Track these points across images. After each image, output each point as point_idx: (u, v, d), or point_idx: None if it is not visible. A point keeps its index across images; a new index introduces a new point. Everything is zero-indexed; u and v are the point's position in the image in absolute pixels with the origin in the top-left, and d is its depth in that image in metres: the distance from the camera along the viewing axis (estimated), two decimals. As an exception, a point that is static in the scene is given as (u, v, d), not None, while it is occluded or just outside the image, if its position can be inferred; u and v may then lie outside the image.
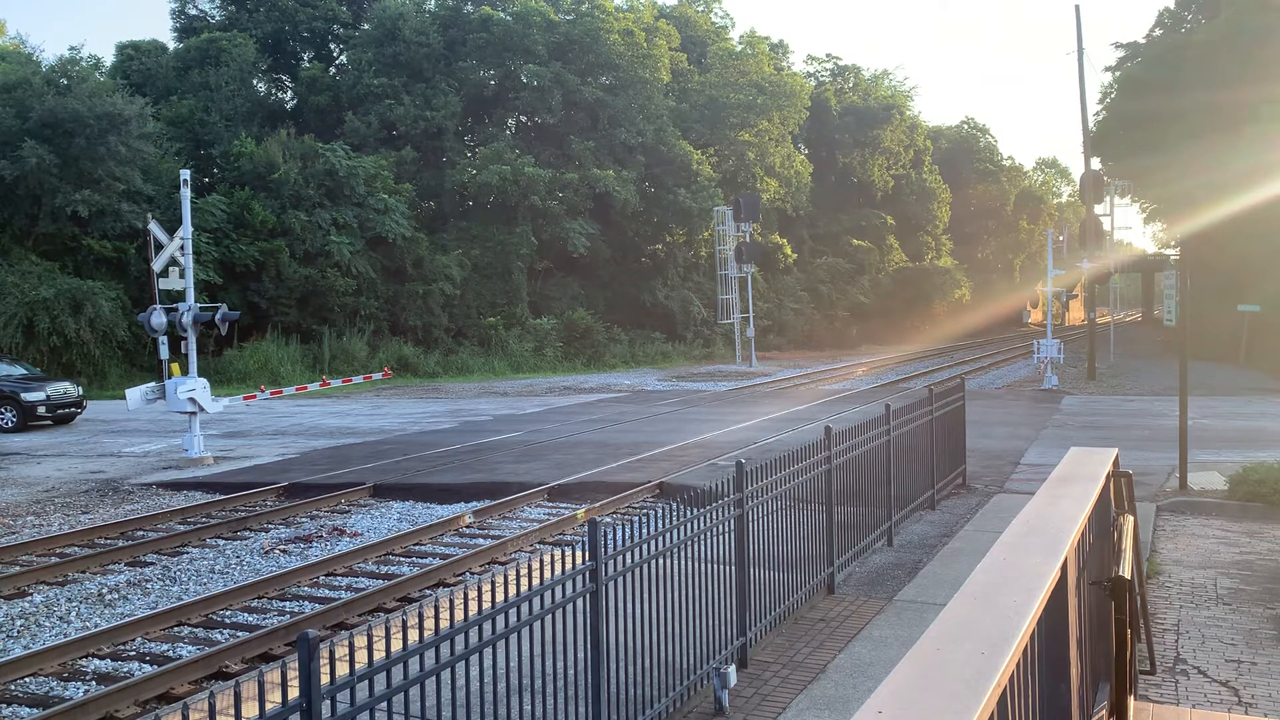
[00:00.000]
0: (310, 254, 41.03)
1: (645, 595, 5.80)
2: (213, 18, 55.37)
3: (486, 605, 4.98)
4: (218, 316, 18.93)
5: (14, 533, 13.29)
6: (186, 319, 18.53)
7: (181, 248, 18.74)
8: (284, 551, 11.85)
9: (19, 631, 9.10)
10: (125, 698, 7.19)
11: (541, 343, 45.65)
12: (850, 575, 9.24)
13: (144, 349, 34.76)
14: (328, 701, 3.67)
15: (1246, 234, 32.96)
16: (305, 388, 31.11)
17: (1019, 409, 24.02)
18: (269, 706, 3.57)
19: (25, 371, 26.35)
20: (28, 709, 7.26)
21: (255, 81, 52.52)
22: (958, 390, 13.40)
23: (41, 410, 24.64)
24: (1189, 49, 37.55)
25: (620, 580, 5.57)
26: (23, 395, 24.49)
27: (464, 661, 4.42)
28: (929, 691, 2.03)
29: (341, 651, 6.06)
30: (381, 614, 9.26)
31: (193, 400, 18.53)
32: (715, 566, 6.60)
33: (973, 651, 2.25)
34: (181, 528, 13.23)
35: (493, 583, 4.80)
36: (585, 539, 5.42)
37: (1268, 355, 32.50)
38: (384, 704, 3.95)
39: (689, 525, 6.32)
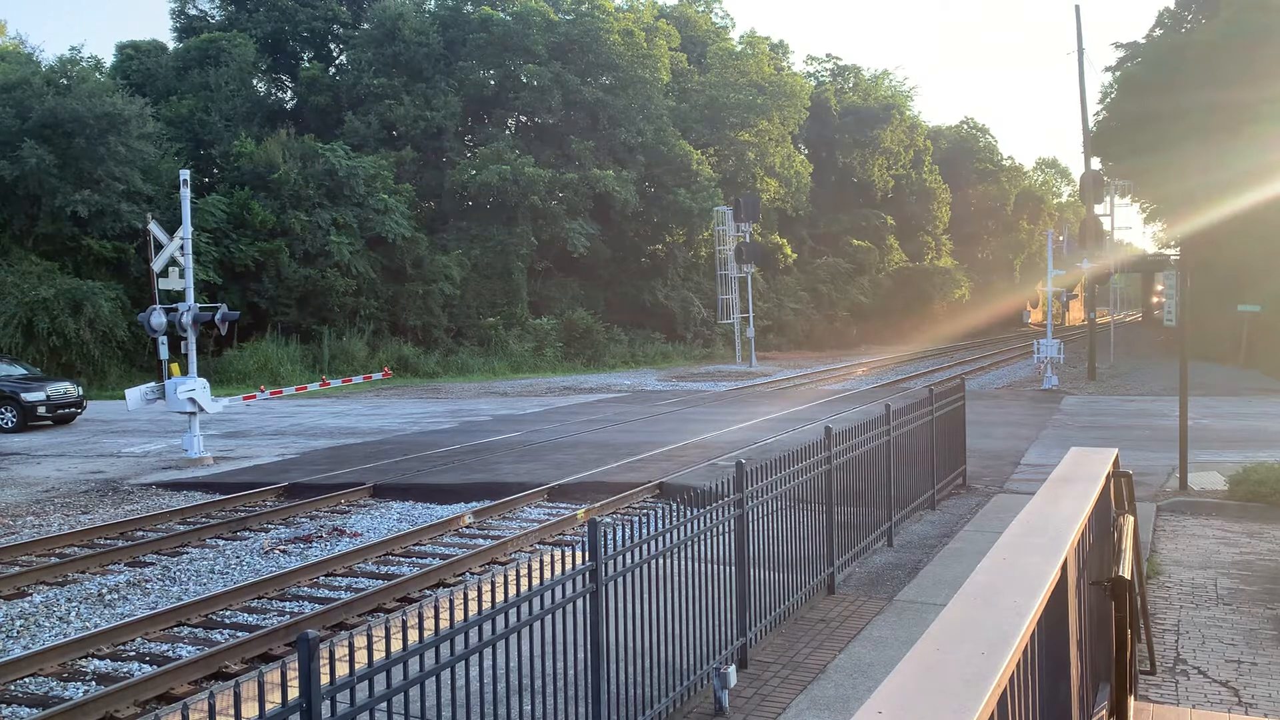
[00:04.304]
0: (310, 254, 41.02)
1: (645, 595, 5.80)
2: (213, 18, 55.36)
3: (486, 605, 4.98)
4: (218, 316, 18.93)
5: (14, 533, 13.28)
6: (186, 319, 18.53)
7: (181, 248, 18.74)
8: (284, 552, 11.84)
9: (19, 631, 9.10)
10: (125, 698, 7.18)
11: (541, 343, 45.64)
12: (850, 575, 9.24)
13: (144, 349, 34.75)
14: (328, 702, 3.67)
15: (1246, 234, 32.96)
16: (305, 388, 31.11)
17: (1019, 409, 24.02)
18: (269, 707, 3.57)
19: (25, 371, 26.34)
20: (28, 709, 7.26)
21: (255, 81, 52.51)
22: (958, 390, 13.39)
23: (41, 410, 24.63)
24: (1189, 49, 37.53)
25: (620, 580, 5.57)
26: (23, 395, 24.49)
27: (464, 662, 4.42)
28: (929, 692, 2.03)
29: (341, 652, 6.05)
30: (381, 614, 9.26)
31: (192, 400, 18.53)
32: (715, 567, 6.60)
33: (973, 651, 2.24)
34: (181, 528, 13.23)
35: (493, 583, 4.80)
36: (585, 539, 5.42)
37: (1268, 355, 32.49)
38: (384, 704, 3.95)
39: (689, 525, 6.32)
